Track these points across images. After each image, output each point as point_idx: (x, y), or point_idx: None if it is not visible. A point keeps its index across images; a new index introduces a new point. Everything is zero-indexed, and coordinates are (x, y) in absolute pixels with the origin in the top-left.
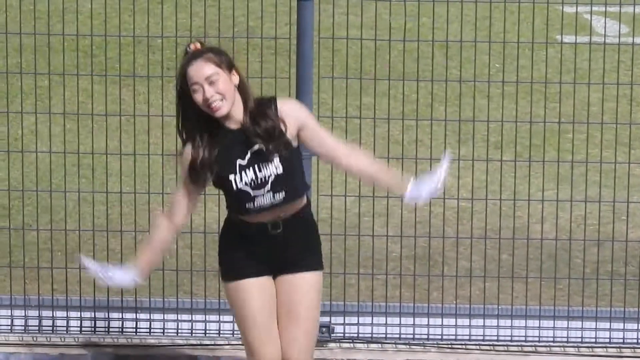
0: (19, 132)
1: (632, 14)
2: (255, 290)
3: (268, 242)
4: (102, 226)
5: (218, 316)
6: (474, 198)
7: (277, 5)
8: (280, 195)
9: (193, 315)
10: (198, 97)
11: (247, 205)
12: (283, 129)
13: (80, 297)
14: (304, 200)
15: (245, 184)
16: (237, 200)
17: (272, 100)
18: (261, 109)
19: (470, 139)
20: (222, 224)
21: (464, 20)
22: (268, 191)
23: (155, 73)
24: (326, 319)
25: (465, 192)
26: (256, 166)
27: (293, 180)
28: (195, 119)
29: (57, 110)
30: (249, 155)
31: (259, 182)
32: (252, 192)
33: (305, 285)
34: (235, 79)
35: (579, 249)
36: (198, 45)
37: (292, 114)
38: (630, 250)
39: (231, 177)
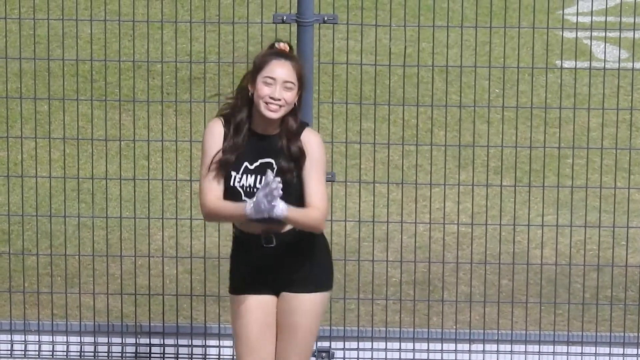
0: (19, 157)
1: (631, 39)
2: (251, 306)
3: (263, 256)
4: (102, 251)
5: (218, 341)
6: (473, 223)
7: (277, 31)
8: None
9: (192, 340)
10: (264, 90)
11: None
12: (303, 157)
13: (80, 321)
14: None
15: (241, 186)
16: (228, 197)
17: (303, 126)
18: (295, 131)
19: (470, 164)
20: (222, 249)
21: (463, 45)
22: None
23: (155, 98)
24: (326, 343)
25: (465, 217)
26: (259, 177)
27: (292, 200)
28: (245, 107)
29: (57, 135)
30: (258, 163)
31: (254, 191)
32: (243, 196)
33: (303, 307)
34: (297, 97)
35: (579, 274)
36: (287, 47)
37: (309, 147)
38: (629, 275)
39: (233, 172)
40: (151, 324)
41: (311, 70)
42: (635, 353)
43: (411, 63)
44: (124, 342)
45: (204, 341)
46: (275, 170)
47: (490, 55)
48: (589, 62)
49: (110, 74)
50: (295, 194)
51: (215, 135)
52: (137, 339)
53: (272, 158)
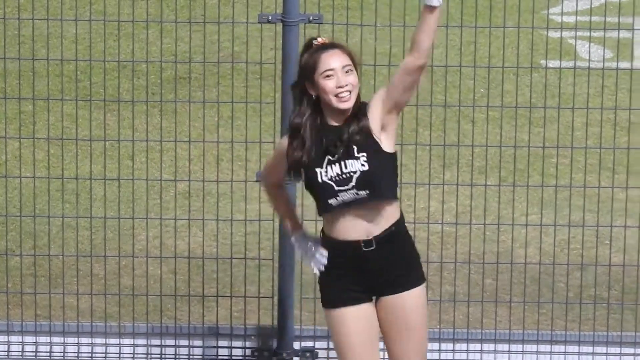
0: (3, 157)
1: (616, 39)
2: (352, 320)
3: (362, 263)
4: (86, 251)
5: (202, 341)
6: (458, 223)
7: (262, 30)
8: (363, 193)
9: (177, 340)
10: (330, 84)
11: (329, 200)
12: (372, 129)
13: (64, 322)
14: (396, 213)
15: (330, 178)
16: (321, 195)
17: (365, 105)
18: (360, 111)
19: (454, 164)
20: (206, 249)
21: (449, 45)
22: (352, 187)
23: (140, 98)
24: (310, 343)
25: (450, 216)
26: (343, 163)
27: (379, 181)
28: (309, 112)
29: (41, 135)
30: (341, 151)
31: (344, 177)
32: (335, 186)
33: (413, 304)
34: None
35: (563, 274)
36: (326, 40)
37: (372, 105)
38: (613, 274)
39: (317, 169)
40: (135, 325)
41: (296, 70)
42: (619, 352)
43: (396, 63)
44: (107, 342)
45: (188, 341)
46: (355, 150)
47: (475, 54)
48: (573, 62)
49: (95, 74)
50: (386, 169)
51: (279, 155)
52: (121, 340)
53: (347, 141)
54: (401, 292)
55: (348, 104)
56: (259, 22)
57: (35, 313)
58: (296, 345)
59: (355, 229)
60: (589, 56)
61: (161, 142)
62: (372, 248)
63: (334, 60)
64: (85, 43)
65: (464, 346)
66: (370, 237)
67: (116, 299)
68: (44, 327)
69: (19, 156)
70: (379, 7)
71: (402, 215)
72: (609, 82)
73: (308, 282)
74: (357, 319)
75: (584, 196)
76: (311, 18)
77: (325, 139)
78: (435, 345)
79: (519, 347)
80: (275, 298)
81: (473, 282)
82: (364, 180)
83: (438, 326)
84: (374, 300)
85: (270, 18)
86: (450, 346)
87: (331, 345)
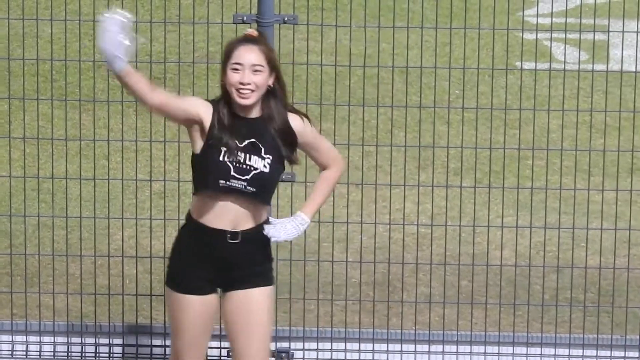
0: None
1: (591, 40)
2: (195, 308)
3: (222, 253)
4: (62, 251)
5: None
6: (433, 224)
7: (237, 31)
8: (250, 189)
9: (152, 339)
10: (234, 77)
11: (220, 180)
12: (288, 139)
13: (40, 321)
14: (264, 215)
15: (231, 161)
16: (214, 172)
17: (287, 110)
18: (278, 115)
19: (430, 165)
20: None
21: (424, 46)
22: (246, 180)
23: (115, 98)
24: (285, 344)
25: (425, 218)
26: (248, 155)
27: (270, 186)
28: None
29: (17, 135)
30: (246, 142)
31: (243, 167)
32: (232, 171)
33: (256, 300)
34: (271, 80)
35: (538, 276)
36: (256, 33)
37: (301, 131)
38: (589, 276)
39: (222, 148)
40: (111, 324)
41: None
42: (595, 355)
43: (371, 64)
44: (83, 341)
45: (163, 341)
46: (249, 143)
47: (450, 56)
48: (549, 64)
49: (71, 73)
50: (277, 176)
51: (202, 104)
52: (97, 339)
53: (258, 139)
54: (250, 288)
55: (246, 101)
56: (233, 23)
57: (12, 312)
58: (272, 346)
59: (224, 218)
60: (565, 58)
61: (136, 142)
62: (236, 241)
63: (246, 56)
64: (61, 43)
65: (439, 348)
66: (238, 230)
67: (92, 298)
68: (20, 326)
69: None
70: (353, 8)
71: (268, 219)
72: (584, 84)
73: (283, 283)
74: (198, 308)
75: (559, 198)
76: (286, 19)
77: (241, 128)
78: (411, 347)
79: (495, 348)
80: None
81: (449, 284)
82: (258, 180)
83: (414, 327)
84: (219, 293)
85: (245, 18)
86: (425, 347)
87: (307, 346)
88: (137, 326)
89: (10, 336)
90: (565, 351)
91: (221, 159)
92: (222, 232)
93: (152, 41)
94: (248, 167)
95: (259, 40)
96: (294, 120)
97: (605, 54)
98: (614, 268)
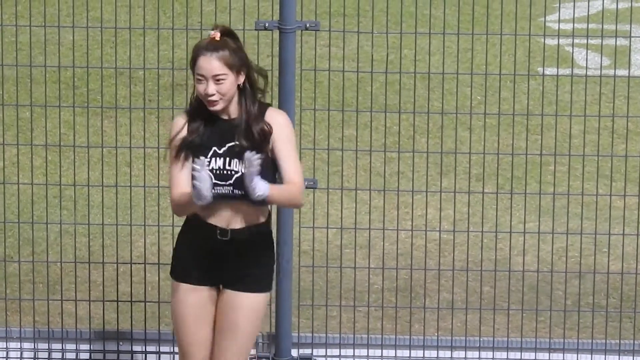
0: (1, 163)
1: (613, 46)
2: (190, 296)
3: (214, 249)
4: (84, 258)
5: None
6: (455, 230)
7: (259, 37)
8: (238, 192)
9: (174, 347)
10: (200, 88)
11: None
12: (267, 137)
13: (62, 328)
14: (261, 217)
15: (212, 169)
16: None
17: (266, 107)
18: (256, 112)
19: (452, 171)
20: None
21: (445, 52)
22: (230, 184)
23: (137, 105)
24: (308, 350)
25: (447, 224)
26: (228, 159)
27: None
28: (198, 99)
29: (39, 142)
30: (226, 147)
31: (224, 172)
32: (214, 179)
33: (245, 306)
34: (242, 78)
35: (561, 281)
36: (218, 36)
37: (276, 127)
38: (611, 282)
39: (202, 157)
40: (133, 331)
41: (293, 77)
42: None
43: (393, 70)
44: (105, 349)
45: None
46: (230, 147)
47: (472, 62)
48: (570, 69)
49: (92, 80)
50: (266, 174)
51: (179, 127)
52: (119, 346)
53: (237, 140)
54: (241, 291)
55: (215, 108)
56: (255, 29)
57: (34, 319)
58: (294, 352)
59: (217, 215)
60: (586, 63)
61: (158, 149)
62: (225, 239)
63: (205, 68)
64: (82, 50)
65: (462, 354)
66: (228, 228)
67: (114, 305)
68: (43, 333)
69: (17, 163)
70: (375, 14)
71: (268, 222)
72: (606, 89)
73: (306, 289)
74: (190, 296)
75: (581, 204)
76: (308, 25)
77: (220, 130)
78: (434, 353)
79: (517, 354)
80: (273, 305)
81: (471, 290)
82: (242, 182)
83: (436, 334)
84: (220, 288)
85: (267, 25)
86: (448, 354)
87: (329, 352)
88: (159, 333)
89: (33, 343)
90: (588, 357)
91: None
92: (214, 228)
93: (174, 48)
94: (229, 172)
95: (220, 45)
96: (276, 116)
97: (627, 59)
98: (637, 273)
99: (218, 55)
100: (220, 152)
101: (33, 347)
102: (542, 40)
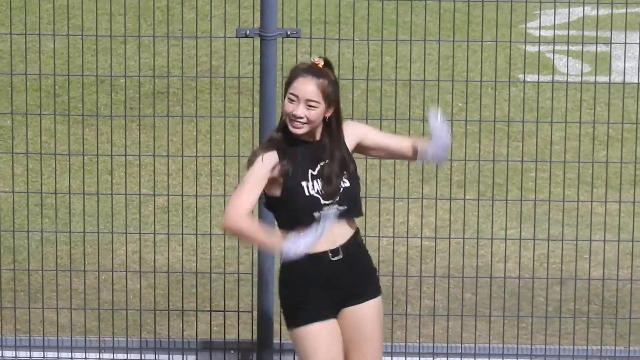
0: None
1: (594, 52)
2: (323, 335)
3: (330, 273)
4: (65, 266)
5: (181, 355)
6: (437, 237)
7: (240, 45)
8: (343, 208)
9: (157, 355)
10: (288, 107)
11: (314, 214)
12: (349, 152)
13: (44, 337)
14: (355, 225)
15: (317, 191)
16: (304, 208)
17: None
18: (337, 139)
19: (433, 178)
20: (185, 263)
21: (427, 59)
22: (336, 202)
23: (118, 113)
24: (290, 357)
25: (429, 231)
26: (320, 180)
27: (355, 197)
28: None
29: (20, 150)
30: (318, 167)
31: (323, 193)
32: (322, 200)
33: (369, 314)
34: (330, 111)
35: (542, 288)
36: (321, 63)
37: (357, 130)
38: (592, 288)
39: (303, 183)
40: (115, 339)
41: (274, 84)
42: None
43: (374, 77)
44: (87, 357)
45: (168, 356)
46: (321, 166)
47: (453, 69)
48: (551, 76)
49: (73, 88)
50: (351, 195)
51: (272, 164)
52: (101, 354)
53: (329, 159)
54: (362, 302)
55: (298, 131)
56: (236, 37)
57: (15, 327)
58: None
59: (321, 242)
60: (567, 70)
61: (139, 157)
62: (339, 257)
63: (302, 89)
64: (63, 58)
65: None
66: (337, 246)
67: (96, 313)
68: (24, 341)
69: None
70: (356, 22)
71: (358, 229)
72: (587, 96)
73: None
74: (326, 333)
75: (562, 210)
76: (289, 32)
77: (309, 153)
78: None
79: None
80: (255, 312)
81: (452, 296)
82: (346, 196)
83: (418, 340)
84: (335, 316)
85: (248, 32)
86: None
87: None
88: (140, 341)
89: (14, 351)
90: None
91: (307, 194)
92: (324, 254)
93: (155, 55)
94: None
95: (321, 73)
96: (346, 129)
97: (608, 65)
98: (617, 280)
99: (317, 82)
100: (315, 173)
101: (14, 356)
102: (523, 47)
